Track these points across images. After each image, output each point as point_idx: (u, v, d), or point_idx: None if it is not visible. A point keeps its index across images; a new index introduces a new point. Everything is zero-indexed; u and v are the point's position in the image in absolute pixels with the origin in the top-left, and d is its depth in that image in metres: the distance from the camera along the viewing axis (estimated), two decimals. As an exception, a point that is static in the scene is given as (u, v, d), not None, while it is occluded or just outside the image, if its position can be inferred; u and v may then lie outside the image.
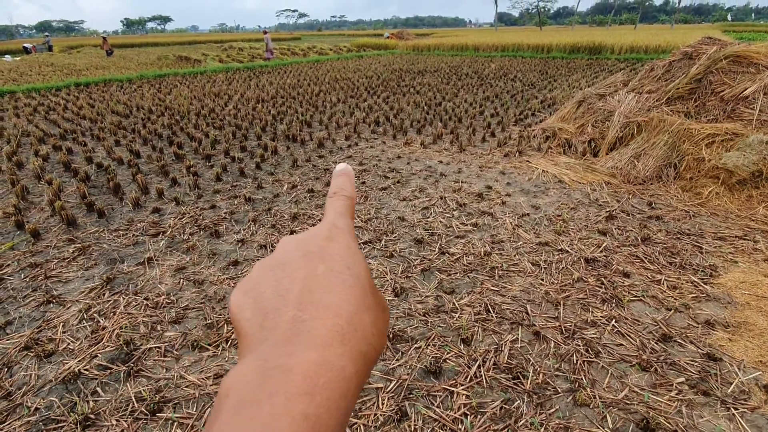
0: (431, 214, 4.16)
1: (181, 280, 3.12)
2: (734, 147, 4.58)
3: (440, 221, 3.99)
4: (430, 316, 2.72)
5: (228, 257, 3.42)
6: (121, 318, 2.77)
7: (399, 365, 2.33)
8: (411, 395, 2.15)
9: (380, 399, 2.12)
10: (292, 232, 3.79)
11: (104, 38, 26.28)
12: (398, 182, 4.99)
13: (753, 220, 3.90)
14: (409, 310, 2.77)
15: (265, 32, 20.11)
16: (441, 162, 5.73)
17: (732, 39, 7.44)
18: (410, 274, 3.16)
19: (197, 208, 4.35)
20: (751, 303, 2.76)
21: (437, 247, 3.51)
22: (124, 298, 2.95)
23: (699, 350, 2.39)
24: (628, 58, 18.58)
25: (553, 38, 24.01)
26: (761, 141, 4.40)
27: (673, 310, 2.72)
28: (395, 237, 3.72)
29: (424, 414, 2.04)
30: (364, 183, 4.99)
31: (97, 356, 2.46)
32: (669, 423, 1.96)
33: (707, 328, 2.55)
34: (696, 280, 3.02)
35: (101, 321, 2.74)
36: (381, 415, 2.03)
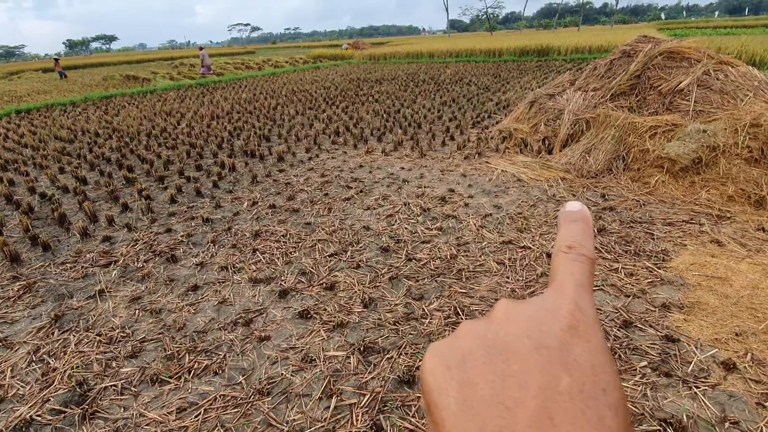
0: (396, 221, 4.15)
1: (137, 311, 2.95)
2: (675, 137, 4.87)
3: (405, 228, 3.99)
4: (400, 324, 2.69)
5: (187, 282, 3.26)
6: (73, 357, 2.58)
7: (372, 378, 2.29)
8: (386, 408, 2.11)
9: (354, 415, 2.06)
10: (254, 250, 3.67)
11: (56, 60, 25.67)
12: (361, 191, 4.97)
13: (697, 205, 4.14)
14: (379, 320, 2.74)
15: (201, 48, 20.14)
16: (403, 168, 5.77)
17: (666, 36, 7.97)
18: (378, 284, 3.13)
19: (151, 233, 4.14)
20: (702, 283, 2.91)
21: (404, 254, 3.51)
22: (74, 336, 2.76)
23: (658, 333, 2.48)
24: (573, 59, 19.51)
25: (504, 42, 24.89)
26: (698, 130, 4.70)
27: (631, 297, 2.82)
28: (361, 247, 3.68)
29: (400, 425, 2.01)
30: (327, 195, 4.93)
31: (49, 400, 2.28)
32: (636, 407, 2.01)
33: (664, 311, 2.67)
34: (650, 265, 3.16)
35: (51, 362, 2.55)
36: (356, 431, 1.98)
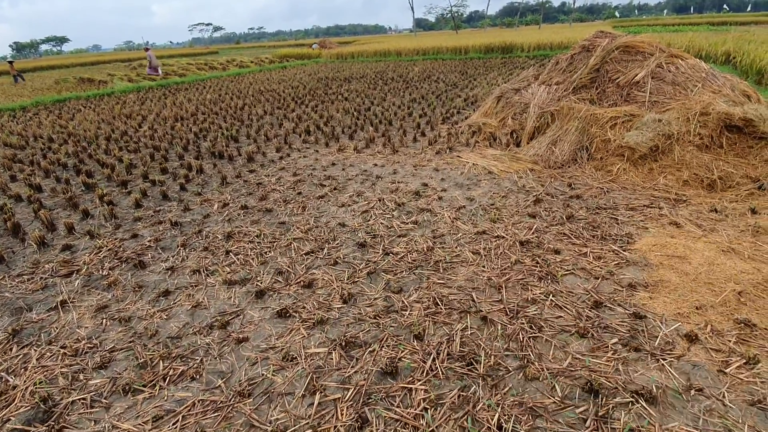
0: (371, 216, 4.15)
1: (104, 321, 2.82)
2: (633, 127, 5.10)
3: (381, 223, 3.99)
4: (380, 317, 2.69)
5: (157, 288, 3.14)
6: (35, 372, 2.43)
7: (355, 372, 2.28)
8: (370, 400, 2.10)
9: (338, 409, 2.05)
10: (227, 252, 3.58)
11: (10, 62, 24.54)
12: (335, 189, 4.94)
13: (656, 190, 4.35)
14: (359, 315, 2.73)
15: (146, 49, 19.61)
16: (376, 165, 5.77)
17: (621, 33, 8.31)
18: (357, 279, 3.12)
19: (116, 239, 3.97)
20: (664, 263, 3.06)
21: (381, 249, 3.51)
22: (36, 350, 2.60)
23: (626, 311, 2.60)
24: (536, 55, 20.09)
25: (469, 40, 25.33)
26: (654, 119, 4.93)
27: (600, 279, 2.94)
28: (338, 244, 3.66)
29: (385, 416, 2.01)
30: (300, 194, 4.87)
31: (10, 420, 2.14)
32: (609, 382, 2.10)
33: (631, 291, 2.79)
34: (616, 248, 3.30)
35: (11, 380, 2.39)
36: (341, 426, 1.96)
